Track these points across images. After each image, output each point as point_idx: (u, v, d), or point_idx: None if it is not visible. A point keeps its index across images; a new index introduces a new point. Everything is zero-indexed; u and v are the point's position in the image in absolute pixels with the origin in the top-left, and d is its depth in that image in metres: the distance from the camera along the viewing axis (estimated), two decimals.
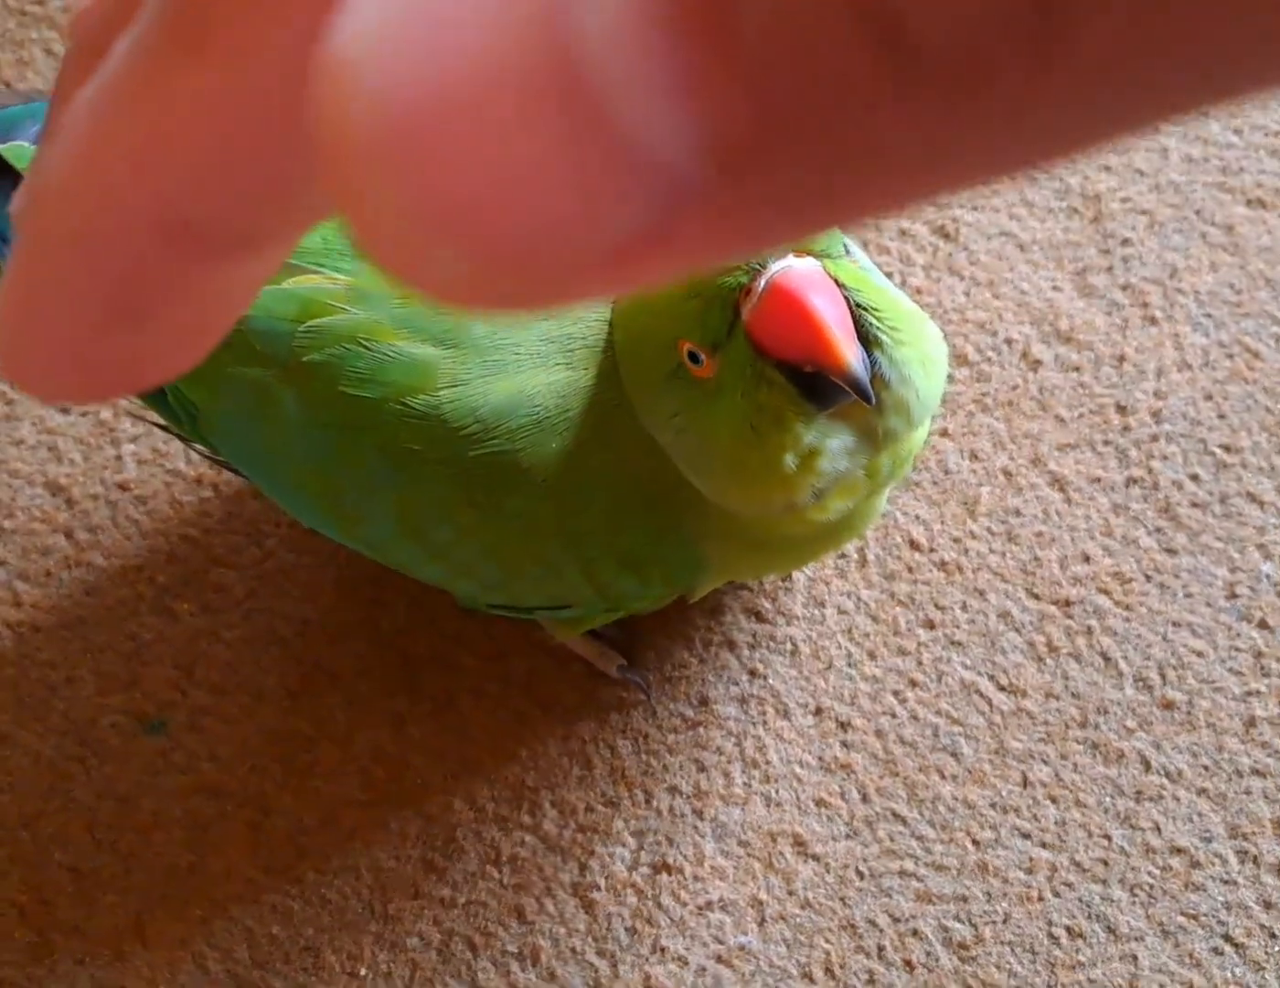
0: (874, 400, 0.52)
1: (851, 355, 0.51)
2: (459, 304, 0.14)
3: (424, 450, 0.56)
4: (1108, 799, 0.68)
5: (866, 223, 0.14)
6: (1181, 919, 0.66)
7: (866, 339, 0.52)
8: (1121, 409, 0.74)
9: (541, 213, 0.13)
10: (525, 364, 0.56)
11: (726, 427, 0.54)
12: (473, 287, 0.14)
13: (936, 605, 0.71)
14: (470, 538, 0.59)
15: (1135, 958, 0.66)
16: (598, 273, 0.13)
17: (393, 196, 0.13)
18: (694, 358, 0.54)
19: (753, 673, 0.70)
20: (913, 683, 0.70)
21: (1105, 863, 0.67)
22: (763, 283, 0.51)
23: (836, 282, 0.52)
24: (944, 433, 0.74)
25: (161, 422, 0.65)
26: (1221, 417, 0.74)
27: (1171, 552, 0.72)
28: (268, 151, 0.15)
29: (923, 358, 0.54)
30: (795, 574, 0.71)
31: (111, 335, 0.18)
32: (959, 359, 0.75)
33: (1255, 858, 0.67)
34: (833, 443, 0.54)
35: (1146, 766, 0.68)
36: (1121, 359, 0.75)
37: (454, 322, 0.55)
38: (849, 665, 0.70)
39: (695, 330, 0.53)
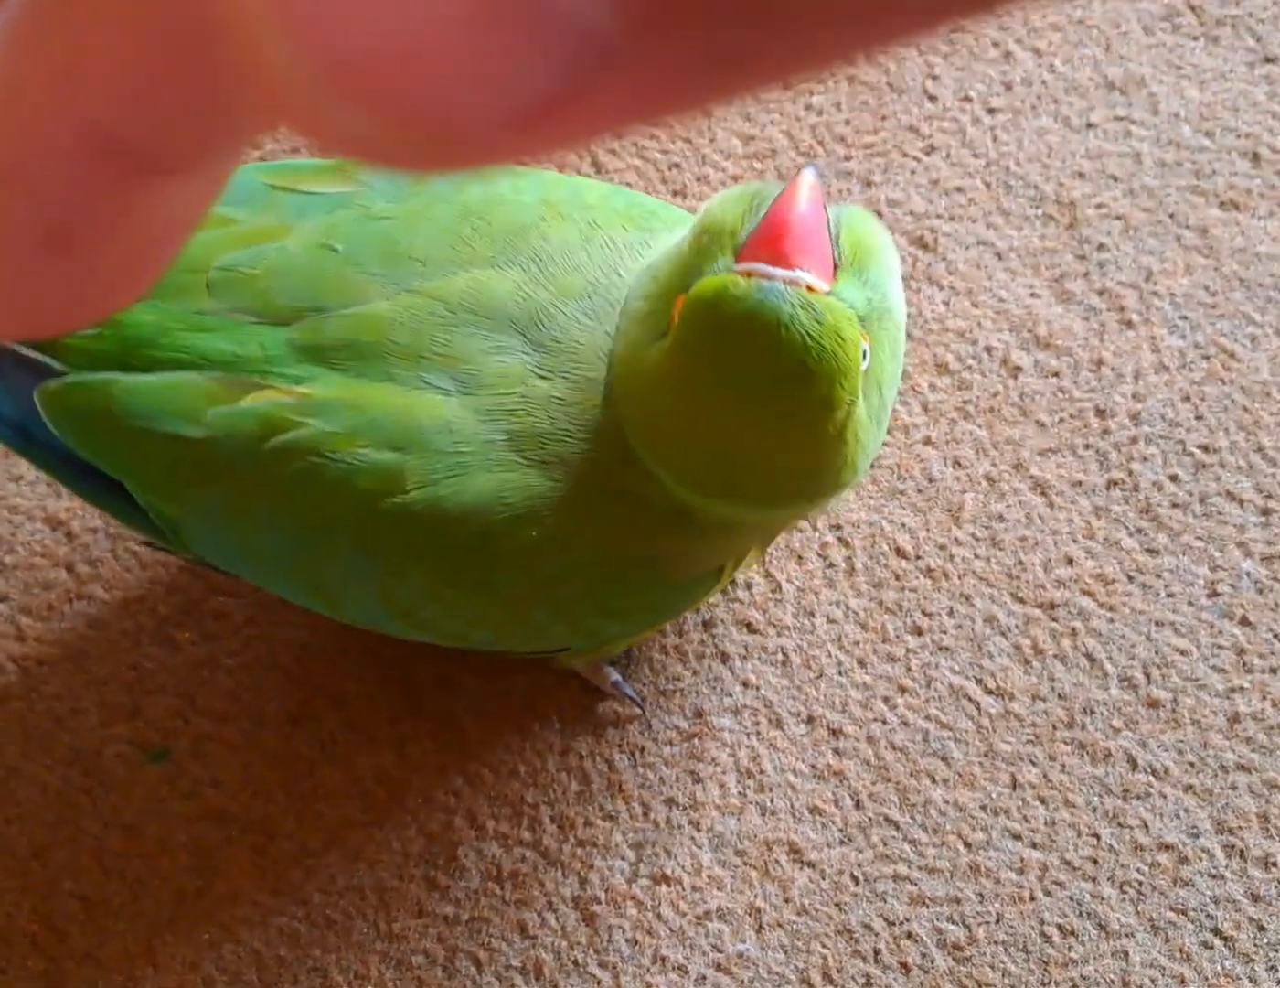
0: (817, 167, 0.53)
1: (800, 186, 0.51)
2: (373, 163, 0.14)
3: (401, 547, 0.57)
4: (1096, 798, 0.69)
5: (782, 85, 0.14)
6: (1171, 915, 0.67)
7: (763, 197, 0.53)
8: (1101, 413, 0.75)
9: (444, 71, 0.13)
10: (494, 466, 0.56)
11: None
12: (381, 146, 0.14)
13: (924, 612, 0.72)
14: (457, 613, 0.61)
15: (1126, 954, 0.67)
16: (509, 134, 0.13)
17: (293, 53, 0.13)
18: None
19: (745, 684, 0.71)
20: (902, 689, 0.71)
21: (1095, 861, 0.68)
22: (791, 256, 0.51)
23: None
24: (927, 441, 0.75)
25: (148, 540, 0.65)
26: (1199, 417, 0.75)
27: (1153, 552, 0.73)
28: (188, 62, 0.15)
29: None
30: (785, 586, 0.72)
31: (45, 266, 0.17)
32: (940, 368, 0.76)
33: (1242, 852, 0.68)
34: None
35: (1133, 764, 0.69)
36: (1100, 363, 0.76)
37: (410, 427, 0.56)
38: (839, 674, 0.71)
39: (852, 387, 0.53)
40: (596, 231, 0.59)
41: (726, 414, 0.53)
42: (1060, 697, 0.70)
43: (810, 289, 0.50)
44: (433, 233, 0.59)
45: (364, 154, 0.14)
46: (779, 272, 0.50)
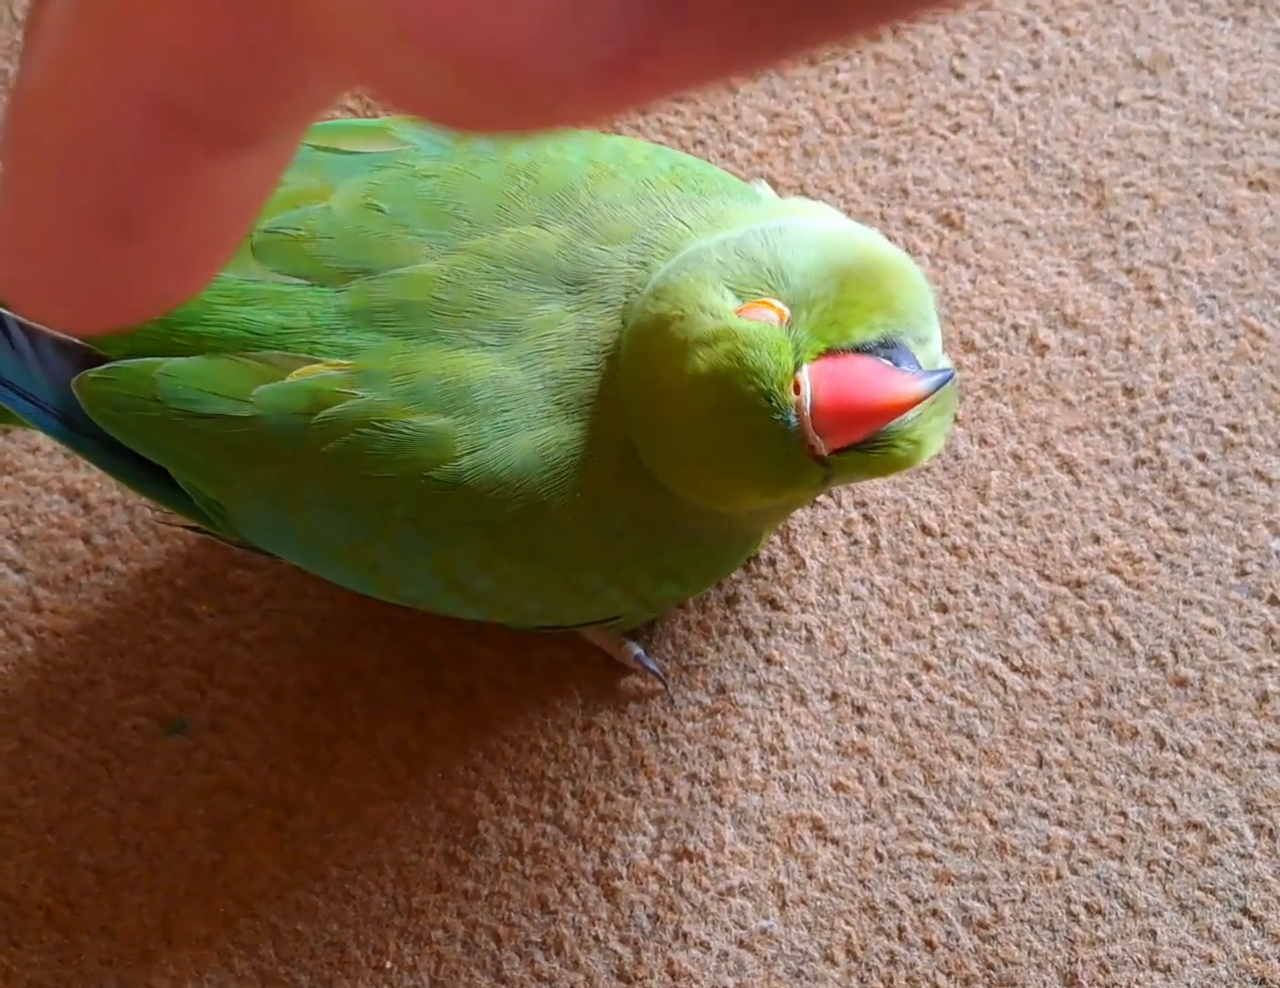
0: (953, 374, 0.54)
1: (911, 390, 0.52)
2: (448, 123, 0.14)
3: (453, 516, 0.57)
4: (1123, 777, 0.68)
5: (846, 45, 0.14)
6: (1199, 894, 0.66)
7: (892, 343, 0.54)
8: (1128, 391, 0.75)
9: (524, 25, 0.13)
10: (535, 422, 0.56)
11: (883, 472, 0.57)
12: (462, 105, 0.14)
13: (949, 589, 0.71)
14: (511, 583, 0.60)
15: (1154, 933, 0.66)
16: (590, 91, 0.13)
17: (370, 9, 0.13)
18: None
19: (769, 660, 0.71)
20: (927, 666, 0.70)
21: (1122, 840, 0.67)
22: (818, 440, 0.52)
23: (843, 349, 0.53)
24: (953, 418, 0.74)
25: (194, 525, 0.64)
26: (1228, 396, 0.74)
27: (1181, 531, 0.72)
28: (255, 23, 0.15)
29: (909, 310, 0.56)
30: (809, 562, 0.72)
31: (107, 252, 0.17)
32: (966, 346, 0.75)
33: (1271, 832, 0.67)
34: None
35: (1161, 743, 0.69)
36: (1127, 342, 0.75)
37: (457, 390, 0.56)
38: (864, 651, 0.71)
39: (800, 494, 0.57)
40: (649, 189, 0.59)
41: (695, 437, 0.55)
42: (1087, 675, 0.70)
43: (815, 454, 0.53)
44: (479, 192, 0.58)
45: (444, 115, 0.14)
46: (817, 440, 0.52)
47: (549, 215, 0.58)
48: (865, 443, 0.53)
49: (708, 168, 0.62)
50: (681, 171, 0.61)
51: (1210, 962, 0.65)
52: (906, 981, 0.66)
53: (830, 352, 0.53)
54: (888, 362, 0.53)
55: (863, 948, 0.66)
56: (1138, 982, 0.65)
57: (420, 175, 0.58)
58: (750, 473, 0.55)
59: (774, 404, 0.52)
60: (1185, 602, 0.71)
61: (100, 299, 0.17)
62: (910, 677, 0.70)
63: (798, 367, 0.52)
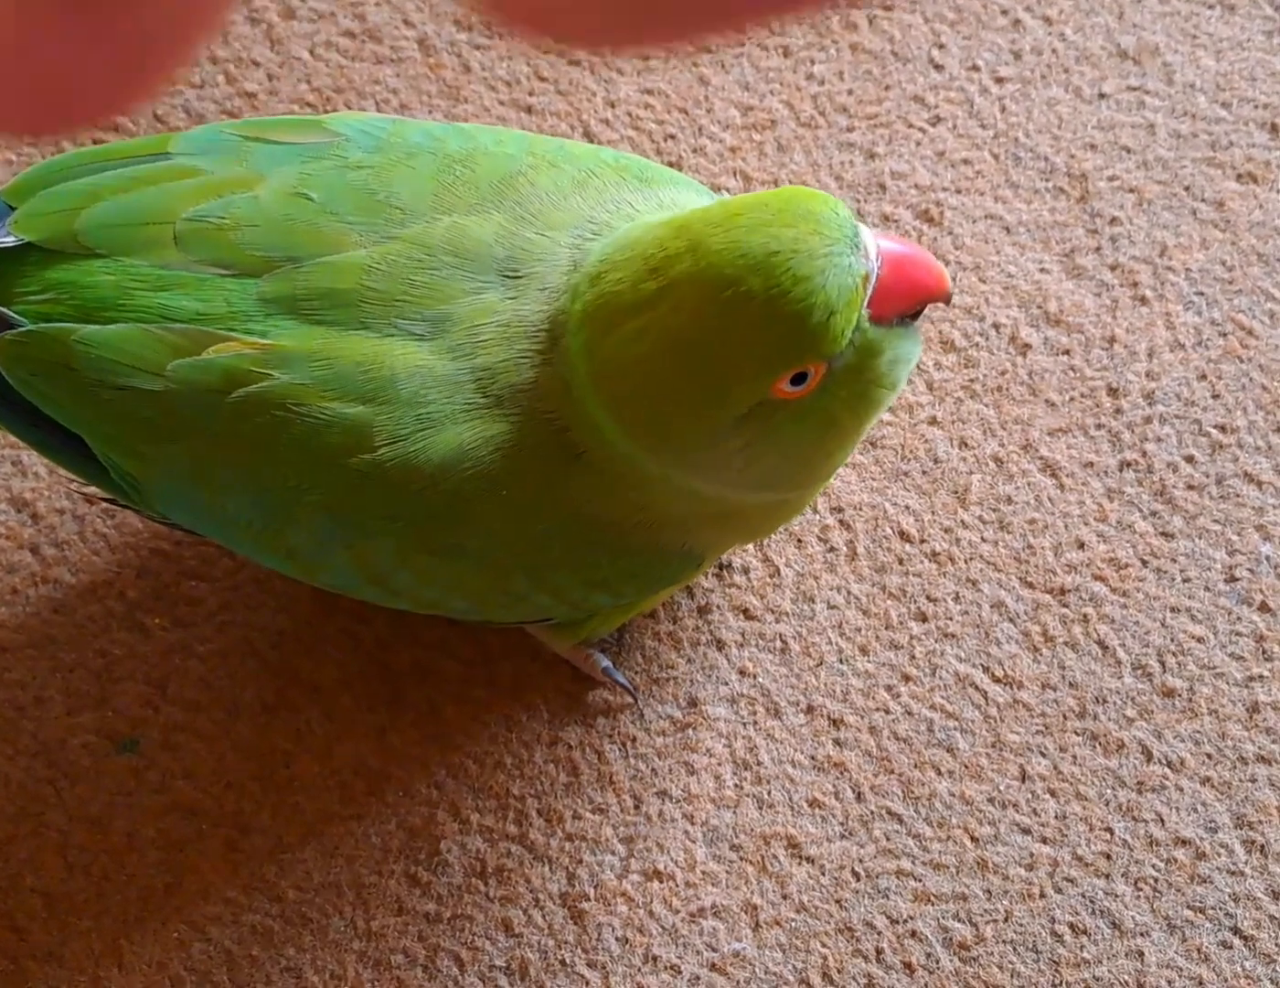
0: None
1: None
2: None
3: (370, 507, 0.56)
4: (1109, 791, 0.67)
5: None
6: (1188, 913, 0.65)
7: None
8: (1113, 391, 0.73)
9: None
10: (460, 416, 0.54)
11: (853, 407, 0.54)
12: None
13: (929, 597, 0.70)
14: (432, 580, 0.59)
15: (1141, 954, 0.65)
16: None
17: None
18: (798, 379, 0.51)
19: (742, 672, 0.69)
20: (906, 677, 0.69)
21: (1108, 857, 0.66)
22: (876, 265, 0.51)
23: None
24: (932, 421, 0.73)
25: (108, 496, 0.63)
26: (1216, 396, 0.73)
27: (1168, 536, 0.71)
28: None
29: None
30: (784, 570, 0.70)
31: (61, 27, 0.15)
32: (946, 345, 0.74)
33: (1262, 848, 0.66)
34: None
35: (1148, 755, 0.67)
36: (1112, 340, 0.74)
37: (380, 378, 0.54)
38: (840, 661, 0.69)
39: (823, 347, 0.50)
40: (591, 179, 0.58)
41: (710, 319, 0.51)
42: (1071, 685, 0.68)
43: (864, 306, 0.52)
44: (414, 182, 0.57)
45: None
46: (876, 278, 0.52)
47: (486, 204, 0.57)
48: (905, 318, 0.53)
49: (652, 163, 0.62)
50: (625, 163, 0.60)
51: (1200, 983, 0.64)
52: None
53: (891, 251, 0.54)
54: None
55: (839, 971, 0.65)
56: None
57: (353, 166, 0.58)
58: (795, 324, 0.50)
59: (857, 236, 0.51)
60: (1173, 609, 0.69)
61: (41, 91, 0.15)
62: (888, 688, 0.69)
63: None
